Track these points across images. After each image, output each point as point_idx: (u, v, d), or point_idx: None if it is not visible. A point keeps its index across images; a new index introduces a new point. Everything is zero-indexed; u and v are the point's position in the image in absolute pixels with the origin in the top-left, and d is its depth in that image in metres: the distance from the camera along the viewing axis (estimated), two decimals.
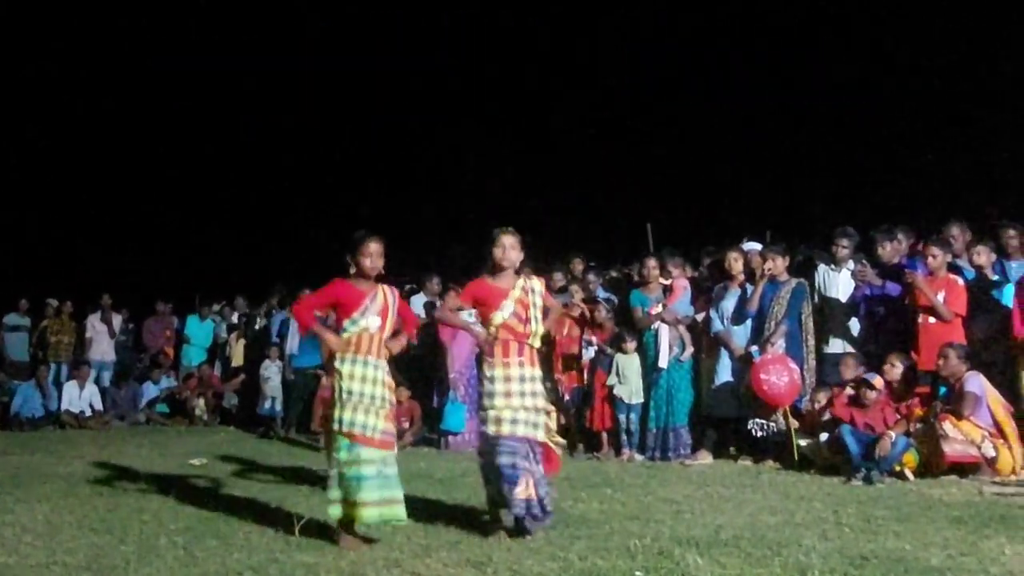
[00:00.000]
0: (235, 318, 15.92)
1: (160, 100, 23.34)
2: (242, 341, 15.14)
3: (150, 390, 15.12)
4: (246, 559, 5.01)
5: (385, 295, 5.59)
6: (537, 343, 5.78)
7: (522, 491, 5.41)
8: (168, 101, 23.34)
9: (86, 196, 22.87)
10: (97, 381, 14.92)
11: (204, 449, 10.55)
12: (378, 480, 5.27)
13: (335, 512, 5.35)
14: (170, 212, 23.20)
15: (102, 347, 15.38)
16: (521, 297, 5.69)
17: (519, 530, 5.43)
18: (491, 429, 5.52)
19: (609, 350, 9.79)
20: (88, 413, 14.22)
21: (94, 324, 15.43)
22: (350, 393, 5.36)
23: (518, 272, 5.83)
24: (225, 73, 23.04)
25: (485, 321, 5.71)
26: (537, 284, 5.85)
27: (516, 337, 5.64)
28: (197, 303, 16.24)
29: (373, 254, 5.51)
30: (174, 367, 15.70)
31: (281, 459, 9.72)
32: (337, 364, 5.44)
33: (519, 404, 5.54)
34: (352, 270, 5.56)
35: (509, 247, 5.72)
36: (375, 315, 5.49)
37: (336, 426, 5.38)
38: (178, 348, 15.99)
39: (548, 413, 5.76)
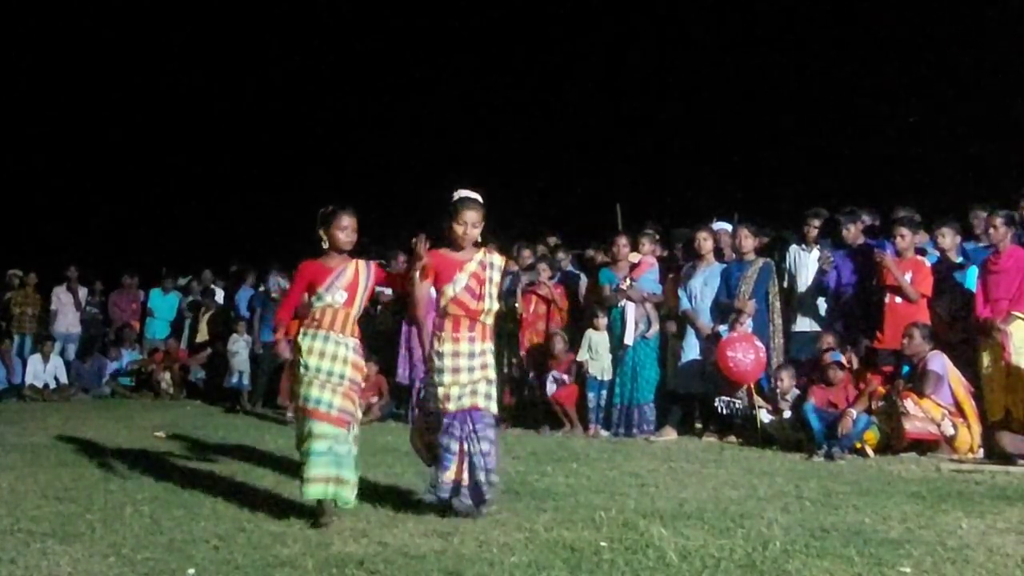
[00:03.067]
0: (200, 292, 15.81)
1: (125, 74, 23.06)
2: (208, 315, 15.06)
3: (114, 363, 15.01)
4: (213, 527, 5.02)
5: (357, 269, 5.39)
6: (490, 320, 5.53)
7: (451, 474, 5.25)
8: (133, 75, 23.07)
9: (53, 167, 22.59)
10: (62, 354, 14.80)
11: (170, 422, 10.52)
12: (328, 456, 5.10)
13: (303, 490, 5.15)
14: (138, 184, 22.94)
15: (67, 319, 15.23)
16: (477, 271, 5.43)
17: (444, 510, 5.23)
18: (438, 406, 5.34)
19: (566, 378, 9.79)
20: (53, 386, 14.12)
21: (59, 296, 15.26)
22: (306, 368, 5.21)
23: (478, 245, 5.56)
24: (191, 46, 22.83)
25: (438, 293, 5.47)
26: (497, 259, 5.58)
27: (468, 313, 5.39)
28: (163, 276, 16.09)
29: (347, 228, 5.34)
30: (138, 340, 15.58)
31: (247, 432, 9.71)
32: (299, 339, 5.30)
33: (467, 379, 5.34)
34: (325, 245, 5.37)
35: (471, 224, 5.43)
36: (341, 290, 5.30)
37: (295, 402, 5.39)
38: (143, 322, 15.87)
39: (490, 382, 5.46)
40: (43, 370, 14.19)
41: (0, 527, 5.07)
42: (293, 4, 23.25)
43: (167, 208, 22.69)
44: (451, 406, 5.31)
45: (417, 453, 5.74)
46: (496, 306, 5.59)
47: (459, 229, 5.43)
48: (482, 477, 5.28)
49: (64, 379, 14.35)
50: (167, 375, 14.47)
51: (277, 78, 23.25)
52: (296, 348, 5.31)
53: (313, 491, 5.10)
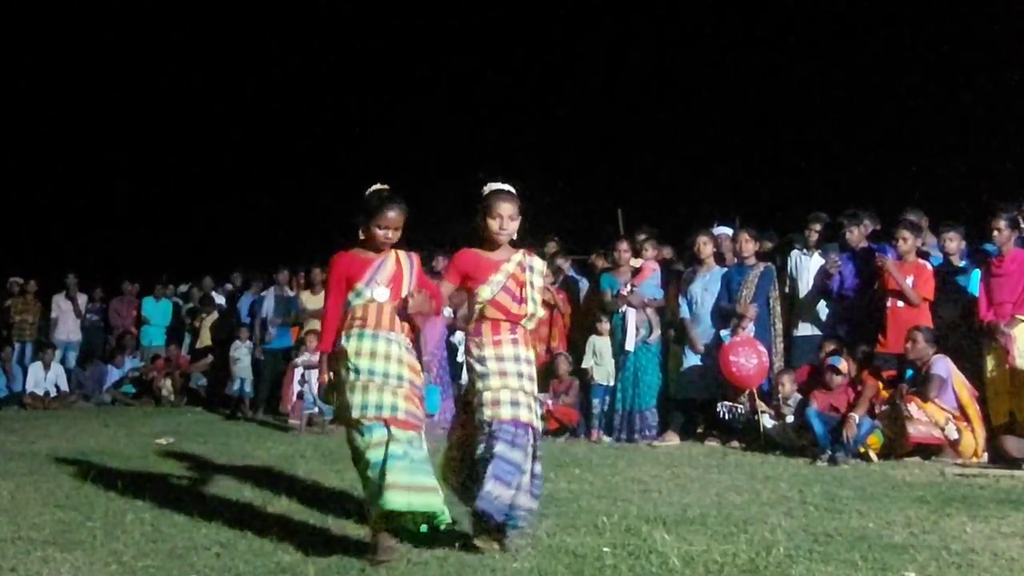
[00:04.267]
0: (200, 299, 15.80)
1: (124, 79, 23.10)
2: (209, 321, 15.04)
3: (115, 371, 14.99)
4: (214, 535, 5.00)
5: (399, 261, 4.75)
6: (532, 326, 5.03)
7: (512, 493, 4.58)
8: (132, 80, 23.11)
9: (53, 174, 22.62)
10: (63, 361, 14.78)
11: (171, 429, 10.49)
12: (405, 461, 4.37)
13: (381, 501, 4.34)
14: (138, 191, 22.99)
15: (67, 327, 15.23)
16: (515, 272, 4.90)
17: (480, 527, 4.61)
18: (487, 413, 4.69)
19: (550, 402, 9.59)
20: (53, 394, 14.10)
21: (59, 304, 15.25)
22: (358, 372, 4.50)
23: (516, 245, 5.06)
24: (187, 49, 22.88)
25: (472, 297, 4.94)
26: (538, 263, 5.07)
27: (508, 317, 4.87)
28: (163, 283, 16.07)
29: (390, 227, 4.66)
30: (136, 348, 15.54)
31: (249, 439, 9.68)
32: (342, 342, 4.59)
33: (517, 385, 4.75)
34: (363, 236, 4.75)
35: (507, 217, 4.89)
36: (382, 286, 4.65)
37: (348, 413, 4.52)
38: (140, 329, 15.84)
39: (539, 401, 5.02)
40: (44, 378, 14.17)
41: (1, 535, 5.05)
42: (287, 7, 23.27)
43: (167, 215, 22.71)
44: (505, 413, 4.70)
45: (452, 492, 4.98)
46: (541, 312, 5.15)
47: (494, 224, 4.88)
48: (535, 505, 4.78)
49: (65, 387, 14.33)
50: (168, 382, 14.46)
51: (277, 81, 23.34)
52: (339, 353, 4.61)
53: (395, 500, 4.30)
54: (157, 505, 5.81)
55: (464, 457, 4.94)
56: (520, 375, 4.81)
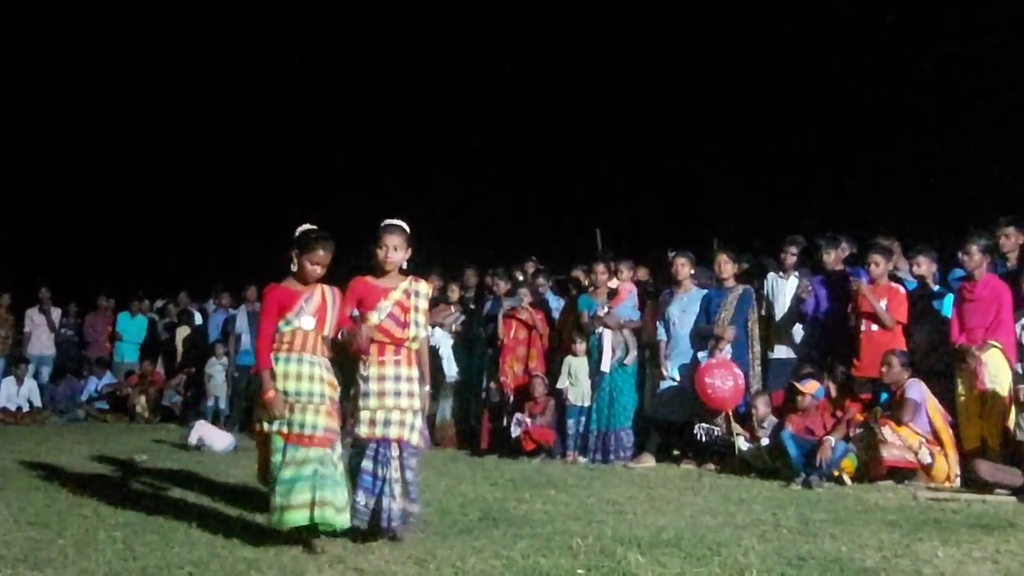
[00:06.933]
0: (177, 315, 15.73)
1: (102, 94, 23.02)
2: (180, 335, 14.98)
3: (92, 382, 14.87)
4: (186, 554, 4.97)
5: (324, 295, 5.34)
6: (416, 346, 5.51)
7: (376, 498, 5.23)
8: (111, 95, 23.04)
9: (26, 188, 22.48)
10: (36, 376, 14.67)
11: (145, 446, 10.41)
12: (311, 480, 4.98)
13: (280, 519, 5.00)
14: (113, 206, 22.86)
15: (41, 341, 15.14)
16: (401, 300, 5.46)
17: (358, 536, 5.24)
18: (363, 431, 5.30)
19: (529, 421, 9.66)
20: (26, 409, 13.98)
21: (33, 318, 15.16)
22: (285, 393, 5.12)
23: (405, 272, 5.60)
24: (169, 65, 22.86)
25: (362, 320, 5.45)
26: (423, 287, 5.62)
27: (393, 340, 5.41)
28: (140, 299, 15.99)
29: (319, 263, 5.29)
30: (108, 364, 15.43)
31: (223, 457, 9.62)
32: (272, 364, 5.19)
33: (392, 404, 5.32)
34: (293, 268, 5.32)
35: (392, 248, 5.48)
36: (309, 315, 5.24)
37: (269, 427, 5.14)
38: (114, 345, 15.74)
39: (416, 413, 5.43)
40: (16, 393, 14.07)
41: None
42: (257, 25, 23.22)
43: (143, 230, 22.59)
44: (377, 432, 5.30)
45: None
46: (423, 333, 5.64)
47: (380, 252, 5.48)
48: (401, 505, 5.27)
49: (38, 402, 14.23)
50: (143, 399, 14.36)
51: (250, 96, 23.29)
52: (270, 375, 5.19)
53: (294, 518, 4.95)
54: (129, 523, 5.78)
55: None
56: (398, 393, 5.37)
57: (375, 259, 5.52)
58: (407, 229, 5.56)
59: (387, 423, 5.31)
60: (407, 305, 5.47)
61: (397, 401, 5.34)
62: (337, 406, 5.35)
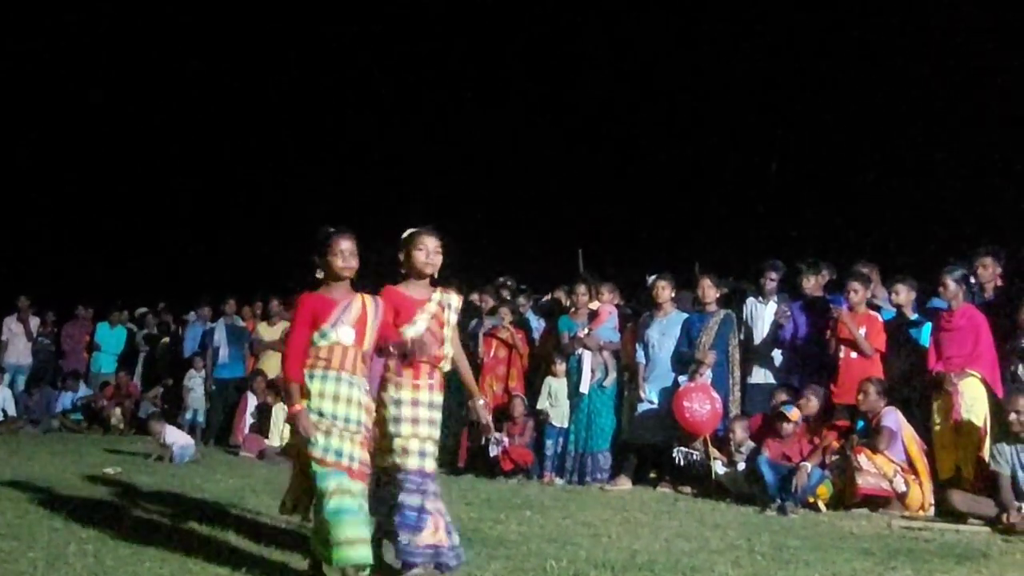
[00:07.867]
0: (156, 325, 15.66)
1: (82, 102, 22.93)
2: (163, 348, 14.91)
3: (67, 397, 14.75)
4: (158, 569, 4.93)
5: (364, 304, 4.79)
6: (447, 367, 5.04)
7: (429, 535, 4.70)
8: (91, 104, 22.95)
9: (6, 194, 22.33)
10: (11, 385, 14.54)
11: (119, 459, 10.32)
12: (361, 516, 4.56)
13: (339, 555, 4.49)
14: (93, 215, 22.73)
15: (18, 350, 15.01)
16: (437, 313, 4.96)
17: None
18: (396, 460, 4.78)
19: (506, 441, 9.62)
20: (0, 418, 13.85)
21: (10, 326, 15.04)
22: (321, 415, 4.59)
23: (435, 283, 5.10)
24: (158, 73, 22.79)
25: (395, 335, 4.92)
26: (455, 299, 5.10)
27: (430, 360, 4.91)
28: (118, 308, 15.89)
29: (344, 252, 4.74)
30: (84, 375, 15.31)
31: (198, 470, 9.56)
32: (306, 381, 4.65)
33: (426, 434, 4.83)
34: (320, 274, 4.80)
35: (433, 251, 4.95)
36: (348, 326, 4.71)
37: (308, 449, 4.60)
38: (92, 355, 15.63)
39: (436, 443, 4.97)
40: None
41: None
42: (245, 38, 23.21)
43: (123, 239, 22.48)
44: (412, 463, 4.78)
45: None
46: (452, 352, 5.14)
47: (420, 255, 4.94)
48: (455, 537, 4.86)
49: (12, 411, 14.10)
50: (118, 410, 14.25)
51: (237, 108, 23.20)
52: (304, 393, 4.67)
53: (355, 555, 4.48)
54: (101, 537, 5.72)
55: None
56: (431, 422, 4.88)
57: (412, 264, 4.98)
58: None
59: (423, 454, 4.81)
60: (443, 319, 4.99)
61: (430, 431, 4.86)
62: (370, 434, 4.82)
